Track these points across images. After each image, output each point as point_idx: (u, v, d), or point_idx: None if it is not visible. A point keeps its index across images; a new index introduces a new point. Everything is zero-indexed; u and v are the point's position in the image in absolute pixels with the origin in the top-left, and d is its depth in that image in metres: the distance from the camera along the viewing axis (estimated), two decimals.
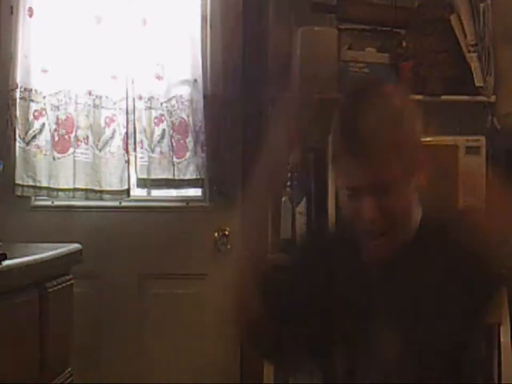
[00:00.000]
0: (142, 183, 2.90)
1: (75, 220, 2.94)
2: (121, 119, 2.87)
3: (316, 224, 2.54)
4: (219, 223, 2.93)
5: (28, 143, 2.85)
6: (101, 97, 2.86)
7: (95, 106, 2.86)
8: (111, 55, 2.85)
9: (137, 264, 2.94)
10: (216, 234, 2.92)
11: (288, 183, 2.64)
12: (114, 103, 2.86)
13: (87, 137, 2.87)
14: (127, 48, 2.85)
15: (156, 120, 2.88)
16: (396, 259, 1.32)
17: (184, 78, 2.88)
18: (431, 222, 1.35)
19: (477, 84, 2.71)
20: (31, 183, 2.86)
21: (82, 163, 2.87)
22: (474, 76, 2.70)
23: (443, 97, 2.69)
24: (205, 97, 2.84)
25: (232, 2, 2.91)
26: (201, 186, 2.92)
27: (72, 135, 2.86)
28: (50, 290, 2.04)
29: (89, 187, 2.87)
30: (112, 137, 2.87)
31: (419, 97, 2.52)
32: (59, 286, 2.12)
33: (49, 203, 2.96)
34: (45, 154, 2.86)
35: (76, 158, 2.86)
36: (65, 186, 2.87)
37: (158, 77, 2.86)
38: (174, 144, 2.87)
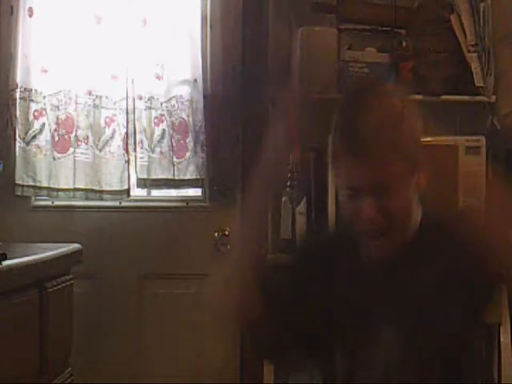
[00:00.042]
0: (142, 183, 2.90)
1: (75, 220, 2.94)
2: (121, 119, 2.87)
3: (316, 224, 2.54)
4: (219, 223, 2.93)
5: (28, 143, 2.85)
6: (101, 97, 2.86)
7: (95, 106, 2.86)
8: (111, 55, 2.85)
9: (137, 264, 2.94)
10: (216, 234, 2.92)
11: (288, 183, 2.64)
12: (114, 103, 2.86)
13: (87, 137, 2.87)
14: (127, 48, 2.85)
15: (155, 120, 2.88)
16: (396, 258, 1.32)
17: (184, 78, 2.88)
18: (431, 222, 1.35)
19: (477, 84, 2.71)
20: (31, 183, 2.86)
21: (82, 163, 2.87)
22: (474, 76, 2.70)
23: (443, 97, 2.69)
24: (205, 97, 2.84)
25: (232, 2, 2.91)
26: (201, 186, 2.92)
27: (72, 135, 2.86)
28: (50, 290, 2.04)
29: (89, 187, 2.87)
30: (112, 137, 2.87)
31: (419, 97, 2.52)
32: (59, 286, 2.12)
33: (49, 203, 2.96)
34: (45, 154, 2.86)
35: (76, 158, 2.86)
36: (65, 186, 2.87)
37: (158, 77, 2.86)
38: (174, 144, 2.88)
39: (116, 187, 2.88)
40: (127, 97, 2.86)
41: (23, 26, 2.84)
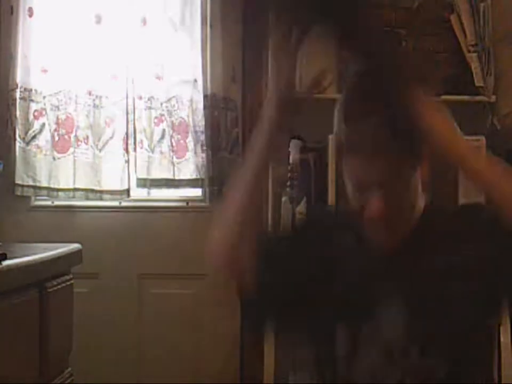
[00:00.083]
0: (142, 183, 2.90)
1: (75, 220, 2.94)
2: (121, 119, 2.87)
3: (319, 205, 2.55)
4: None
5: (28, 143, 2.85)
6: (101, 97, 2.86)
7: (95, 106, 2.86)
8: (111, 55, 2.86)
9: (137, 264, 2.94)
10: None
11: (288, 183, 2.64)
12: (114, 103, 2.86)
13: (87, 137, 2.87)
14: (127, 48, 2.86)
15: (155, 120, 2.88)
16: (399, 245, 1.33)
17: (184, 78, 2.88)
18: (434, 208, 1.36)
19: (477, 84, 2.71)
20: (31, 183, 2.86)
21: (82, 163, 2.87)
22: (474, 76, 2.71)
23: (443, 97, 2.69)
24: (205, 97, 2.84)
25: (232, 2, 2.91)
26: (201, 186, 2.93)
27: (72, 135, 2.86)
28: (50, 290, 2.04)
29: (89, 187, 2.87)
30: (112, 137, 2.87)
31: None
32: (59, 286, 2.12)
33: (49, 203, 2.96)
34: (45, 154, 2.86)
35: (75, 158, 2.86)
36: (65, 186, 2.87)
37: (158, 77, 2.86)
38: (174, 144, 2.88)
39: (116, 187, 2.88)
40: (127, 97, 2.86)
41: (23, 26, 2.84)
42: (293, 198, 2.64)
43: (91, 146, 2.87)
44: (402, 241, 1.33)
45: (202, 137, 2.85)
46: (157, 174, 2.88)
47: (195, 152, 2.87)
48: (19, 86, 2.84)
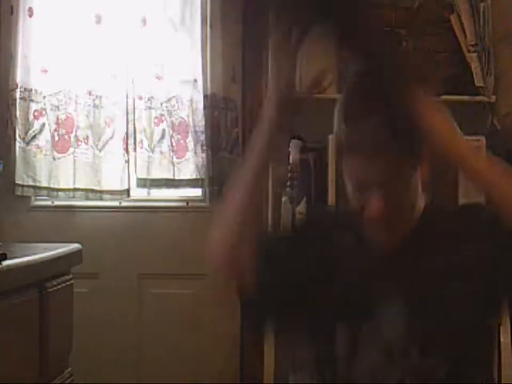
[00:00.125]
0: (142, 183, 2.90)
1: (75, 220, 2.94)
2: (121, 119, 2.87)
3: (319, 205, 2.55)
4: None
5: (28, 143, 2.85)
6: (101, 97, 2.86)
7: (95, 106, 2.86)
8: (111, 55, 2.85)
9: (137, 264, 2.94)
10: None
11: (288, 183, 2.64)
12: (114, 103, 2.86)
13: (87, 137, 2.87)
14: (127, 48, 2.86)
15: (155, 120, 2.88)
16: (399, 245, 1.33)
17: (184, 78, 2.88)
18: (434, 208, 1.36)
19: (477, 84, 2.71)
20: (31, 183, 2.86)
21: (82, 163, 2.87)
22: (474, 76, 2.71)
23: (443, 97, 2.69)
24: (205, 97, 2.84)
25: (232, 2, 2.91)
26: (201, 186, 2.92)
27: (72, 135, 2.86)
28: (50, 290, 2.04)
29: (89, 187, 2.87)
30: (112, 137, 2.87)
31: None
32: (59, 286, 2.12)
33: (49, 203, 2.96)
34: (45, 154, 2.86)
35: (75, 158, 2.86)
36: (65, 186, 2.87)
37: (158, 77, 2.86)
38: (174, 144, 2.88)
39: (116, 187, 2.88)
40: (127, 97, 2.86)
41: (23, 26, 2.84)
42: (293, 198, 2.64)
43: (91, 146, 2.87)
44: (402, 241, 1.33)
45: (202, 137, 2.85)
46: (157, 174, 2.88)
47: (195, 152, 2.87)
48: (19, 86, 2.84)
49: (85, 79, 2.85)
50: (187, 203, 3.01)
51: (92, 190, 2.87)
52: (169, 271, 2.94)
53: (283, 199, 2.65)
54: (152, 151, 2.87)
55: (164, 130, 2.88)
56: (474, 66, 2.70)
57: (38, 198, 2.95)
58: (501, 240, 1.27)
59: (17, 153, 2.84)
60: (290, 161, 2.63)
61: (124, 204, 2.94)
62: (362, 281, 1.34)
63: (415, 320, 1.30)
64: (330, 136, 2.49)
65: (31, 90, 2.85)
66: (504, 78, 2.80)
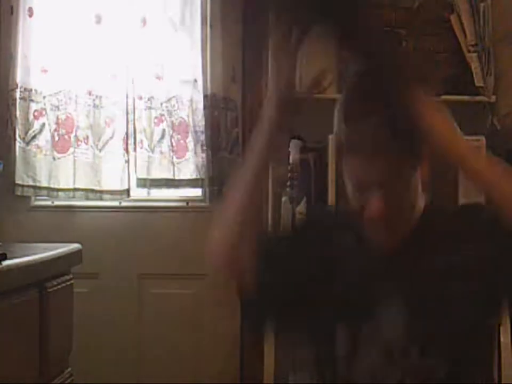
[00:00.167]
0: (142, 183, 2.90)
1: (75, 220, 2.94)
2: (121, 119, 2.87)
3: (319, 205, 2.56)
4: None
5: (28, 143, 2.85)
6: (101, 97, 2.86)
7: (95, 106, 2.86)
8: (111, 55, 2.85)
9: (137, 264, 2.94)
10: None
11: (288, 183, 2.64)
12: (114, 103, 2.86)
13: (87, 137, 2.87)
14: (127, 48, 2.86)
15: (155, 120, 2.88)
16: (400, 244, 1.33)
17: (184, 78, 2.88)
18: (434, 208, 1.36)
19: (477, 84, 2.71)
20: (31, 183, 2.86)
21: (82, 163, 2.87)
22: (474, 75, 2.70)
23: (443, 97, 2.69)
24: (205, 97, 2.84)
25: (232, 2, 2.91)
26: (201, 186, 2.92)
27: (72, 135, 2.86)
28: (50, 290, 2.04)
29: (89, 187, 2.87)
30: (112, 137, 2.87)
31: None
32: (59, 286, 2.12)
33: (49, 203, 2.96)
34: (45, 154, 2.86)
35: (75, 158, 2.86)
36: (65, 186, 2.87)
37: (158, 77, 2.86)
38: (174, 144, 2.88)
39: (116, 187, 2.88)
40: (127, 97, 2.86)
41: (23, 26, 2.84)
42: (293, 198, 2.64)
43: (91, 146, 2.87)
44: (402, 241, 1.33)
45: (202, 137, 2.85)
46: (157, 174, 2.88)
47: (195, 152, 2.87)
48: (19, 86, 2.84)
49: (85, 79, 2.85)
50: (187, 203, 3.00)
51: (92, 190, 2.87)
52: (169, 271, 2.94)
53: (283, 199, 2.65)
54: (152, 151, 2.87)
55: (164, 130, 2.88)
56: (474, 66, 2.70)
57: (38, 198, 2.95)
58: (501, 240, 1.27)
59: (17, 153, 2.84)
60: (290, 161, 2.62)
61: (124, 203, 2.94)
62: (362, 281, 1.34)
63: (415, 320, 1.30)
64: (330, 136, 2.49)
65: (31, 90, 2.85)
66: (504, 78, 2.80)
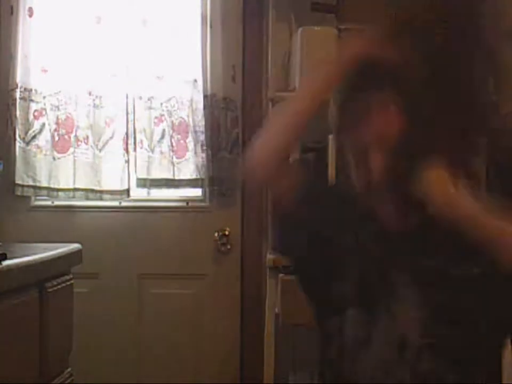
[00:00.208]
0: (141, 183, 2.90)
1: (75, 220, 2.94)
2: (121, 119, 2.87)
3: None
4: (219, 223, 2.93)
5: (28, 143, 2.85)
6: (101, 97, 2.86)
7: (95, 106, 2.86)
8: (111, 55, 2.85)
9: (137, 264, 2.94)
10: (216, 234, 2.92)
11: None
12: (114, 103, 2.86)
13: (87, 137, 2.87)
14: (127, 48, 2.85)
15: (155, 120, 2.88)
16: (411, 229, 1.32)
17: (184, 78, 2.88)
18: None
19: None
20: (31, 183, 2.86)
21: (82, 163, 2.87)
22: None
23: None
24: (205, 97, 2.84)
25: (232, 2, 2.91)
26: (201, 186, 2.93)
27: (72, 135, 2.86)
28: (50, 290, 2.04)
29: (89, 187, 2.87)
30: (112, 137, 2.87)
31: None
32: (59, 286, 2.11)
33: (49, 203, 2.96)
34: (45, 154, 2.87)
35: (75, 158, 2.86)
36: (65, 186, 2.87)
37: (158, 77, 2.86)
38: (174, 144, 2.88)
39: (116, 187, 2.88)
40: (127, 97, 2.86)
41: (23, 26, 2.84)
42: None
43: (91, 146, 2.87)
44: (415, 225, 1.31)
45: (202, 137, 2.85)
46: (157, 174, 2.88)
47: (195, 152, 2.87)
48: (19, 86, 2.84)
49: (85, 79, 2.85)
50: (187, 203, 3.00)
51: (92, 190, 2.87)
52: (169, 271, 2.94)
53: None
54: (152, 151, 2.87)
55: (164, 130, 2.88)
56: None
57: (38, 198, 2.95)
58: None
59: (17, 153, 2.84)
60: (290, 161, 2.62)
61: (124, 203, 2.94)
62: (379, 267, 1.33)
63: (427, 320, 1.29)
64: (330, 136, 2.48)
65: (31, 90, 2.85)
66: (504, 78, 2.80)
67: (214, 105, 2.84)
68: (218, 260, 2.93)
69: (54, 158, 2.86)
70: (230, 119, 2.89)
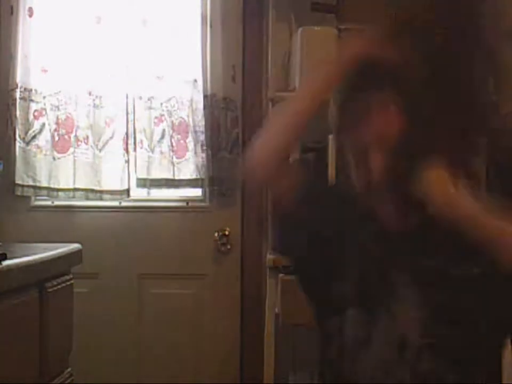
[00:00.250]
0: (141, 183, 2.90)
1: (75, 220, 2.94)
2: (121, 119, 2.87)
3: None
4: (219, 223, 2.93)
5: (28, 143, 2.85)
6: (101, 97, 2.86)
7: (95, 106, 2.86)
8: (111, 55, 2.86)
9: (137, 264, 2.94)
10: (216, 234, 2.92)
11: None
12: (114, 103, 2.86)
13: (87, 137, 2.87)
14: (127, 48, 2.86)
15: (155, 120, 2.88)
16: (411, 229, 1.32)
17: (184, 78, 2.88)
18: None
19: None
20: (31, 183, 2.86)
21: (82, 163, 2.87)
22: None
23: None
24: (205, 97, 2.84)
25: (232, 2, 2.91)
26: (201, 186, 2.93)
27: (72, 135, 2.87)
28: (50, 290, 2.04)
29: (89, 187, 2.87)
30: (112, 137, 2.87)
31: None
32: (59, 286, 2.11)
33: (49, 203, 2.96)
34: (45, 154, 2.87)
35: (75, 158, 2.86)
36: (65, 186, 2.87)
37: (158, 77, 2.86)
38: (174, 144, 2.88)
39: (116, 187, 2.88)
40: (127, 97, 2.86)
41: (23, 26, 2.85)
42: None
43: (91, 146, 2.87)
44: (415, 225, 1.31)
45: (202, 137, 2.85)
46: (157, 174, 2.88)
47: (195, 152, 2.87)
48: (19, 86, 2.84)
49: (85, 79, 2.85)
50: (187, 203, 3.00)
51: (92, 190, 2.87)
52: (169, 271, 2.94)
53: None
54: (152, 151, 2.87)
55: (163, 130, 2.88)
56: None
57: (38, 198, 2.95)
58: None
59: (17, 153, 2.84)
60: (290, 161, 2.62)
61: (124, 203, 2.94)
62: (379, 267, 1.33)
63: (428, 320, 1.29)
64: (330, 136, 2.48)
65: (31, 90, 2.85)
66: (505, 77, 2.80)
67: (214, 105, 2.84)
68: (218, 260, 2.93)
69: (54, 158, 2.86)
70: (230, 119, 2.89)
